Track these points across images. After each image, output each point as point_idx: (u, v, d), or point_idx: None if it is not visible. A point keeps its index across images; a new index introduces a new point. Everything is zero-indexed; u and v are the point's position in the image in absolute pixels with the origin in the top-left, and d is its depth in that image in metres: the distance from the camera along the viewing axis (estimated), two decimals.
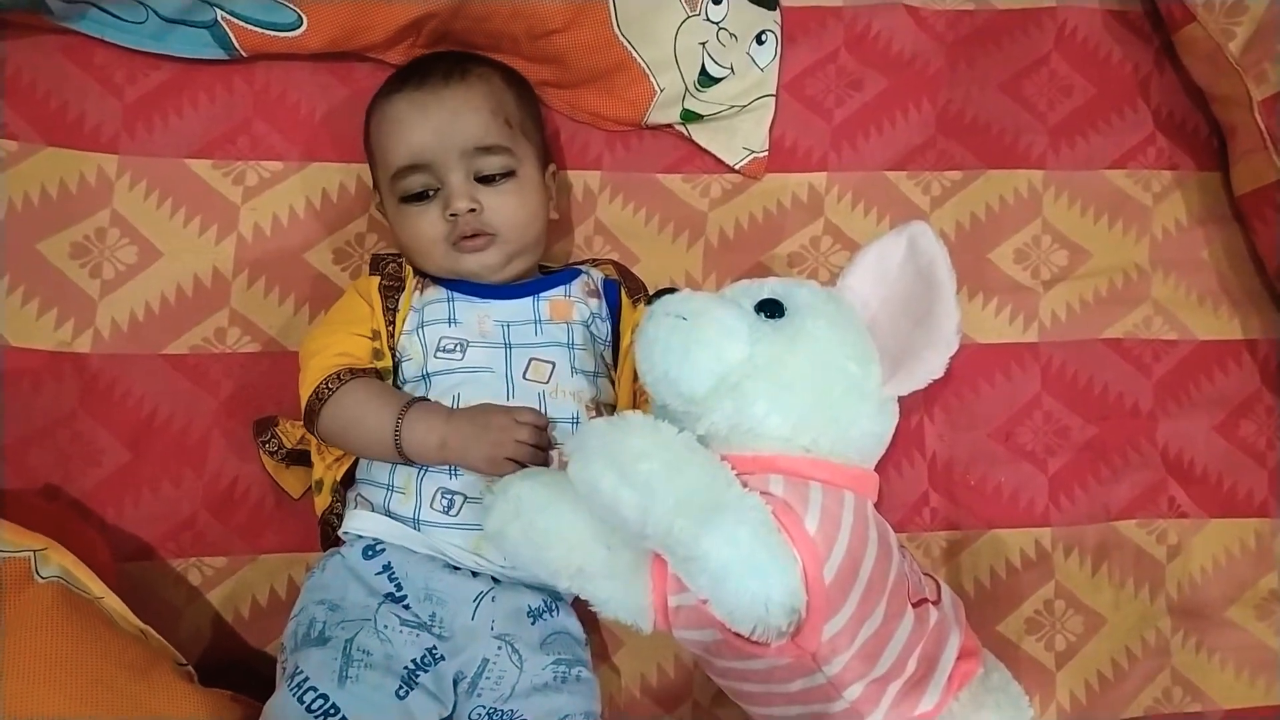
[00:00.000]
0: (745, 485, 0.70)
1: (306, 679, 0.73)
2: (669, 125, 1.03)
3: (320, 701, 0.72)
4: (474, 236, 0.84)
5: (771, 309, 0.77)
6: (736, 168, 1.04)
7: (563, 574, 0.74)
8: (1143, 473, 1.03)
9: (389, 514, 0.82)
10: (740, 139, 1.04)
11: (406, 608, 0.79)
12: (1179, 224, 1.10)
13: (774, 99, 1.05)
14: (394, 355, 0.84)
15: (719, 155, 1.04)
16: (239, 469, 0.91)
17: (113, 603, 0.76)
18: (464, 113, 0.85)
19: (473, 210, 0.84)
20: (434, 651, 0.77)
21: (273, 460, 0.88)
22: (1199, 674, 1.01)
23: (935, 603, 0.80)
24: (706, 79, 1.00)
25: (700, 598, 0.68)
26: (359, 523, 0.82)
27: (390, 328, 0.85)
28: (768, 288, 0.80)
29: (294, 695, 0.72)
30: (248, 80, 0.97)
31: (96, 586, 0.75)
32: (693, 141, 1.04)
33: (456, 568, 0.81)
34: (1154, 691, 1.00)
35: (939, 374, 0.77)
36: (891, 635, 0.74)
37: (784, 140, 1.06)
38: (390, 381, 0.84)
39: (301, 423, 0.84)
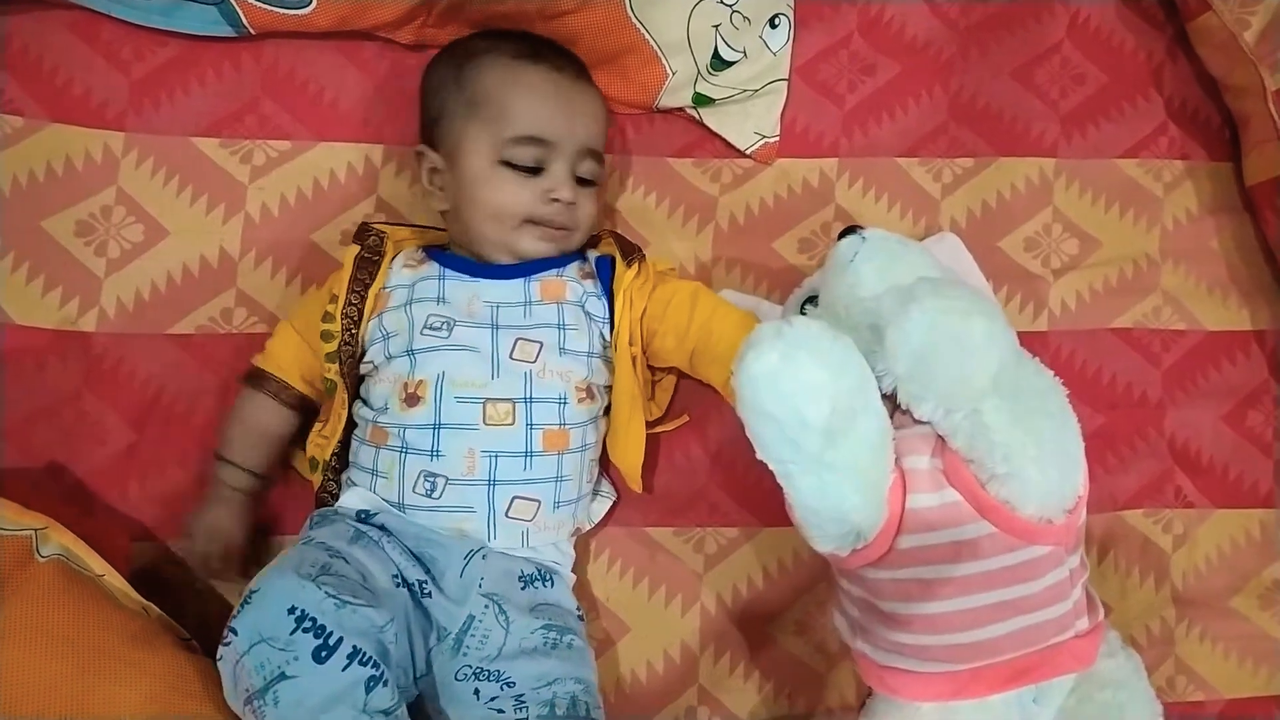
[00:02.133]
0: None
1: (314, 539, 0.76)
2: (680, 109, 1.02)
3: (324, 546, 0.75)
4: (553, 226, 0.86)
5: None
6: (747, 152, 1.04)
7: (840, 417, 0.65)
8: (1150, 462, 1.03)
9: (375, 495, 0.82)
10: (752, 123, 1.03)
11: (408, 551, 0.80)
12: (1190, 214, 1.10)
13: (786, 83, 1.04)
14: (347, 323, 0.84)
15: (730, 139, 1.03)
16: None
17: (114, 580, 0.76)
18: (590, 114, 0.89)
19: (571, 203, 0.86)
20: (424, 585, 0.78)
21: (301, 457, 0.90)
22: (1202, 663, 1.01)
23: None
24: (719, 62, 1.00)
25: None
26: (352, 499, 0.82)
27: (355, 296, 0.84)
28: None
29: (301, 546, 0.75)
30: (256, 58, 0.96)
31: (97, 564, 0.75)
32: (704, 125, 1.03)
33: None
34: (1158, 680, 1.00)
35: None
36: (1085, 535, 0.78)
37: (795, 125, 1.05)
38: (354, 354, 0.85)
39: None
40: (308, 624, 0.66)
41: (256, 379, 0.87)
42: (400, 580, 0.77)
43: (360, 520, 0.81)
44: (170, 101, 0.94)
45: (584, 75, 0.91)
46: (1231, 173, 1.11)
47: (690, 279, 1.00)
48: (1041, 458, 0.68)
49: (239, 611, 0.68)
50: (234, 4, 0.91)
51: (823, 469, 0.67)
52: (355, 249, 0.86)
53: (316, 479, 0.86)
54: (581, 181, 0.87)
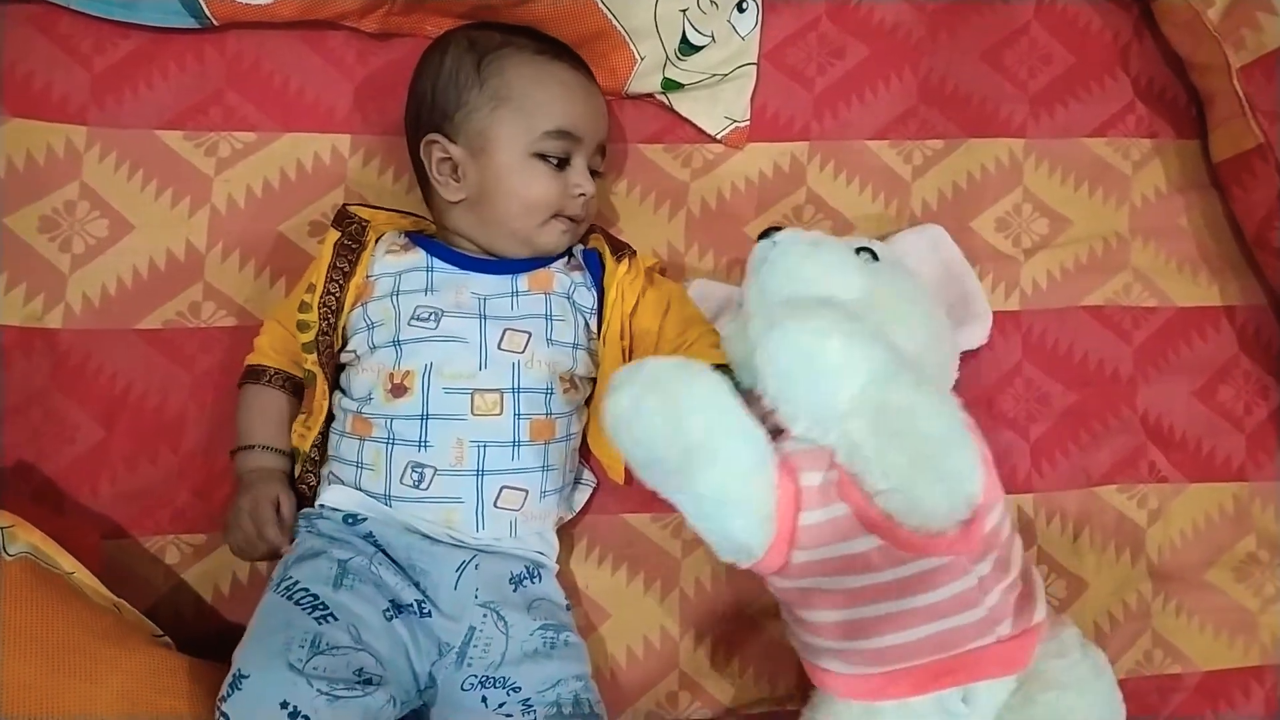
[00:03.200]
0: None
1: (297, 583, 0.74)
2: (650, 94, 1.02)
3: (311, 599, 0.72)
4: (573, 219, 0.88)
5: (869, 253, 0.86)
6: (718, 137, 1.03)
7: (697, 452, 0.67)
8: (1123, 438, 1.04)
9: (360, 490, 0.81)
10: (721, 108, 1.03)
11: (398, 568, 0.79)
12: (1158, 191, 1.11)
13: (755, 68, 1.04)
14: (325, 311, 0.83)
15: (700, 125, 1.03)
16: (216, 445, 0.89)
17: (84, 577, 0.75)
18: (604, 111, 0.92)
19: (592, 197, 0.88)
20: (423, 605, 0.78)
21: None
22: (1179, 636, 1.02)
23: None
24: (687, 47, 0.99)
25: (881, 486, 0.66)
26: (334, 497, 0.82)
27: (334, 285, 0.84)
28: (859, 241, 0.87)
29: (283, 596, 0.73)
30: (219, 49, 0.95)
31: (66, 562, 0.74)
32: (674, 111, 1.03)
33: (437, 540, 0.80)
34: (1135, 654, 1.01)
35: (984, 341, 0.96)
36: (1014, 540, 0.75)
37: (766, 109, 1.05)
38: (332, 344, 0.84)
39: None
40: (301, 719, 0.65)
41: (254, 375, 0.87)
42: (394, 612, 0.76)
43: (347, 524, 0.80)
44: (133, 95, 0.93)
45: (592, 73, 0.92)
46: (1199, 150, 1.12)
47: (665, 266, 1.00)
48: (916, 475, 0.66)
49: (228, 694, 0.67)
50: None
51: (695, 497, 0.68)
52: (335, 235, 0.85)
53: (298, 469, 0.85)
54: (591, 174, 0.89)
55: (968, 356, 1.02)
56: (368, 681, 0.69)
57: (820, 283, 0.76)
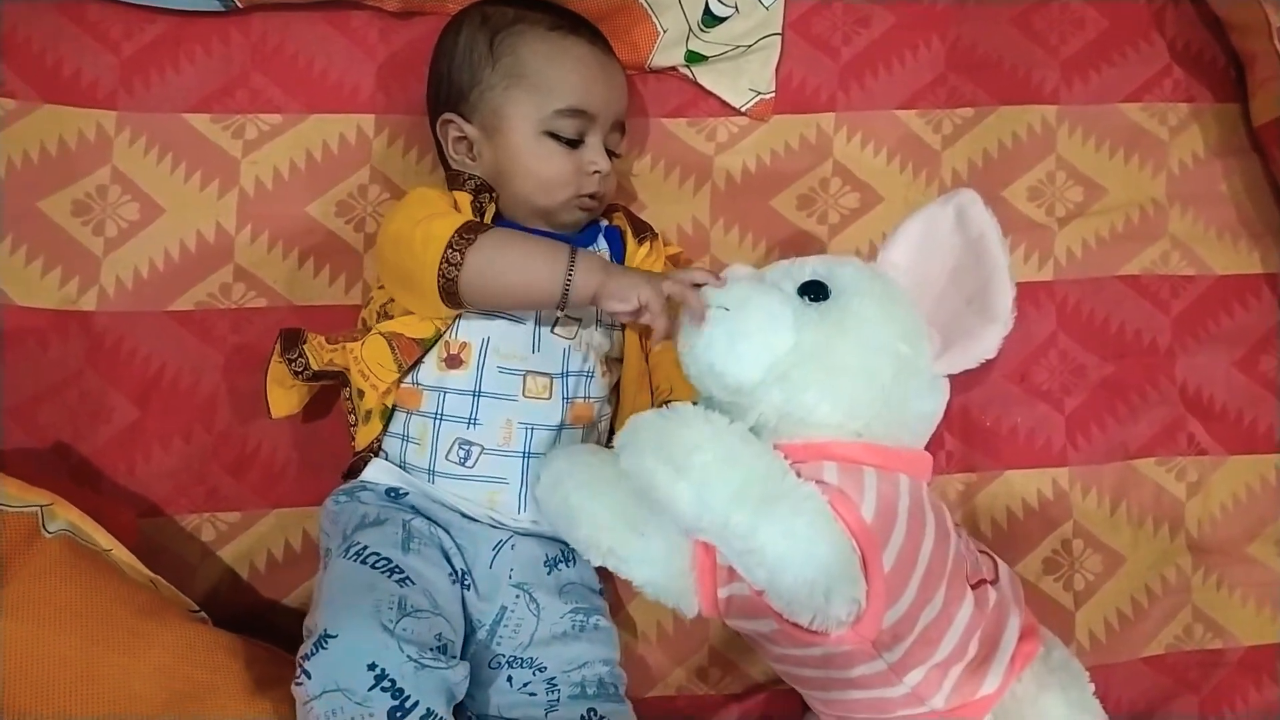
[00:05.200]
0: (799, 474, 0.69)
1: (366, 548, 0.73)
2: (673, 68, 1.01)
3: (385, 563, 0.72)
4: (591, 196, 0.86)
5: (815, 292, 0.76)
6: (743, 110, 1.02)
7: (593, 551, 0.76)
8: (1161, 410, 1.02)
9: (404, 465, 0.81)
10: (746, 80, 1.02)
11: (448, 535, 0.79)
12: (1196, 157, 1.08)
13: (780, 38, 1.02)
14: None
15: (724, 98, 1.02)
16: (250, 423, 0.90)
17: (121, 554, 0.76)
18: (621, 86, 0.89)
19: (608, 175, 0.86)
20: (465, 578, 0.78)
21: (285, 372, 0.81)
22: (1220, 611, 1.00)
23: (993, 582, 0.79)
24: (710, 18, 0.98)
25: (756, 588, 0.67)
26: (375, 472, 0.82)
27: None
28: (810, 269, 0.78)
29: (355, 560, 0.72)
30: (244, 32, 0.96)
31: (104, 539, 0.76)
32: (697, 84, 1.02)
33: (476, 519, 0.81)
34: (1175, 629, 0.99)
35: (993, 353, 0.76)
36: (952, 619, 0.73)
37: (791, 80, 1.04)
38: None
39: (333, 340, 0.82)
40: (386, 683, 0.64)
41: (472, 230, 0.77)
42: (454, 575, 0.77)
43: (389, 497, 0.80)
44: (161, 79, 0.94)
45: (610, 47, 0.91)
46: (1238, 114, 1.09)
47: (689, 242, 1.00)
48: (775, 587, 0.65)
49: (313, 652, 0.65)
50: None
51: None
52: (467, 197, 0.83)
53: (372, 430, 0.82)
54: (608, 153, 0.87)
55: None
56: (445, 650, 0.69)
57: (743, 355, 0.73)
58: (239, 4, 0.93)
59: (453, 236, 0.75)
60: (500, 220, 0.86)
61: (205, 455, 0.90)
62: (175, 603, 0.78)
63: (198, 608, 0.80)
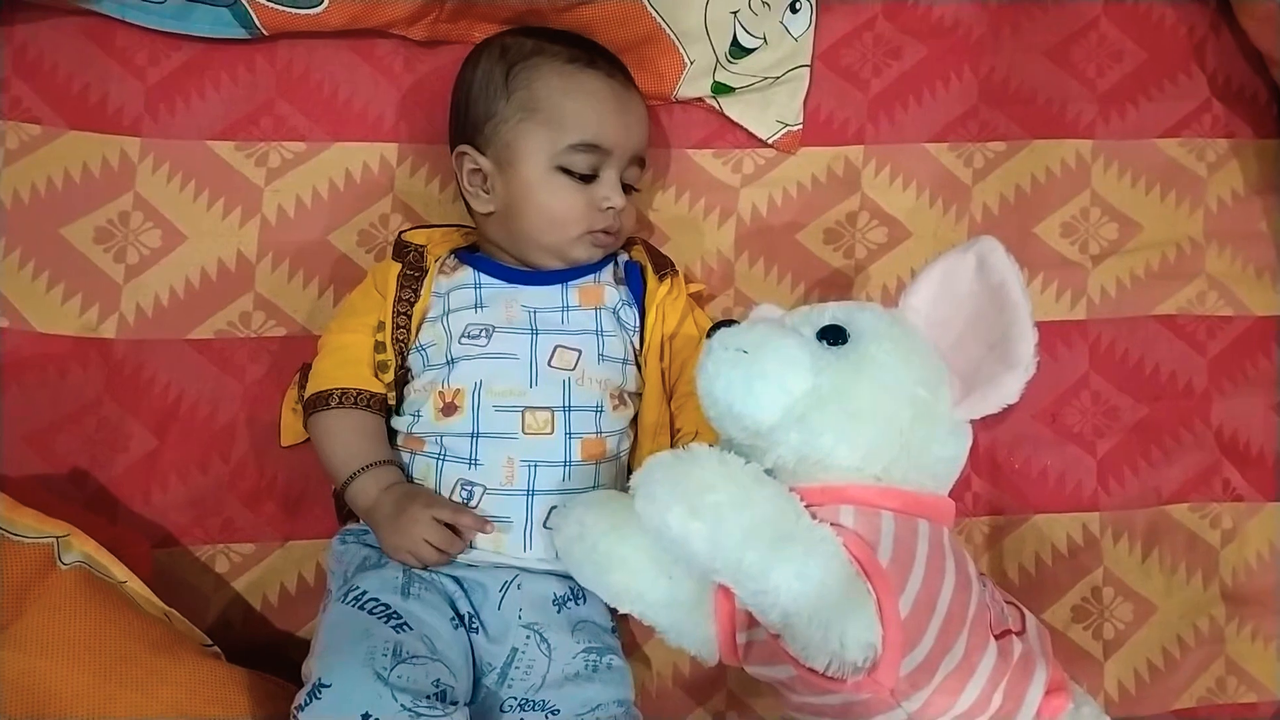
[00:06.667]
0: (815, 517, 0.68)
1: (365, 593, 0.73)
2: (699, 99, 1.00)
3: (383, 609, 0.71)
4: (605, 232, 0.85)
5: (834, 336, 0.75)
6: (770, 142, 1.01)
7: (624, 599, 0.76)
8: (1196, 454, 0.99)
9: None
10: (773, 112, 1.00)
11: (453, 579, 0.78)
12: (1235, 194, 1.05)
13: (809, 69, 1.01)
14: (399, 346, 0.83)
15: (751, 129, 1.01)
16: (266, 454, 0.90)
17: (136, 586, 0.76)
18: (641, 121, 0.88)
19: (622, 210, 0.86)
20: (473, 620, 0.77)
21: (298, 403, 0.84)
22: (1254, 663, 0.97)
23: (1019, 633, 0.77)
24: (738, 50, 0.97)
25: (772, 631, 0.66)
26: None
27: (402, 319, 0.83)
28: (829, 313, 0.77)
29: (353, 606, 0.72)
30: (269, 60, 0.96)
31: (120, 571, 0.75)
32: (724, 115, 1.01)
33: (481, 560, 0.80)
34: (1207, 681, 0.96)
35: (1014, 399, 0.74)
36: (974, 669, 0.71)
37: (819, 112, 1.02)
38: (392, 371, 0.83)
39: None
40: None
41: (324, 401, 0.82)
42: (459, 621, 0.76)
43: None
44: (185, 105, 0.94)
45: (631, 80, 0.90)
46: (1278, 150, 1.06)
47: (713, 276, 0.98)
48: (792, 632, 0.65)
49: (307, 702, 0.64)
50: (246, 5, 0.90)
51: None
52: (397, 268, 0.85)
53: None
54: (625, 188, 0.87)
55: None
56: (444, 696, 0.67)
57: (760, 396, 0.71)
58: (264, 31, 0.92)
59: (322, 391, 0.82)
60: (484, 262, 0.86)
61: (222, 486, 0.89)
62: (188, 637, 0.78)
63: (210, 642, 0.79)
